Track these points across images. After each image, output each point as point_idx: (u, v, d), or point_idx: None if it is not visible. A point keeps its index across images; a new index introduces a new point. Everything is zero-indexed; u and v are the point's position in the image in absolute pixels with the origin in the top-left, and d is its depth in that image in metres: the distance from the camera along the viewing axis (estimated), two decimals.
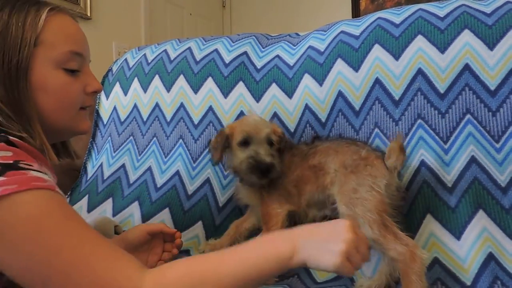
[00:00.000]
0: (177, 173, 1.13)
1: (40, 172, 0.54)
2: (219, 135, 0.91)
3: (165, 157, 1.17)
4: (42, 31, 0.62)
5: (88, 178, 1.25)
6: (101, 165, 1.25)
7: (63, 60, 0.64)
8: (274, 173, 0.84)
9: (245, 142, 0.86)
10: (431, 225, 0.83)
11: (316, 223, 0.61)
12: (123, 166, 1.22)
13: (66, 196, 1.22)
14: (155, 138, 1.21)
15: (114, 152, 1.26)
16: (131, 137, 1.25)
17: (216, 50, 1.22)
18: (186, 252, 0.97)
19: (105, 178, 1.22)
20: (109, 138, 1.29)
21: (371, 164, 0.79)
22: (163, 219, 1.07)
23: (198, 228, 1.05)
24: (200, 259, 0.57)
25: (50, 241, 0.50)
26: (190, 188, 1.09)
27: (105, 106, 1.35)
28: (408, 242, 0.72)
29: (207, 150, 1.12)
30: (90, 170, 1.27)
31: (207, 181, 1.09)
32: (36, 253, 0.49)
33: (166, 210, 1.08)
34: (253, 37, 1.22)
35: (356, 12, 2.66)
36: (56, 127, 0.65)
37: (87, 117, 0.71)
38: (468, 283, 0.75)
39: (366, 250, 0.57)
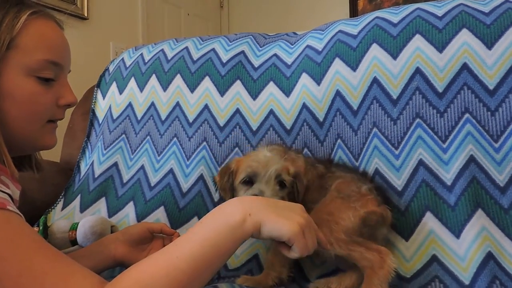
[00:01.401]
0: (171, 171, 1.12)
1: None
2: (223, 173, 0.82)
3: (158, 155, 1.16)
4: (18, 34, 0.57)
5: (81, 177, 1.24)
6: (92, 163, 1.24)
7: (36, 68, 0.60)
8: None
9: (249, 181, 0.75)
10: (430, 223, 0.83)
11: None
12: (115, 164, 1.20)
13: (60, 196, 1.21)
14: (148, 137, 1.20)
15: (105, 149, 1.24)
16: (123, 135, 1.24)
17: (213, 49, 1.21)
18: None
19: (96, 176, 1.20)
20: (101, 136, 1.29)
21: (362, 201, 0.75)
22: (158, 218, 1.06)
23: (194, 224, 1.04)
24: (149, 259, 0.50)
25: None
26: (185, 186, 1.09)
27: (101, 105, 1.34)
28: (381, 249, 0.70)
29: (201, 147, 1.11)
30: (83, 169, 1.26)
31: (201, 177, 1.08)
32: None
33: (161, 208, 1.07)
34: (251, 36, 1.22)
35: (354, 12, 2.66)
36: (19, 139, 0.60)
37: (54, 131, 0.66)
38: (467, 282, 0.75)
39: (315, 238, 0.58)
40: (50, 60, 0.61)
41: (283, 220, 0.52)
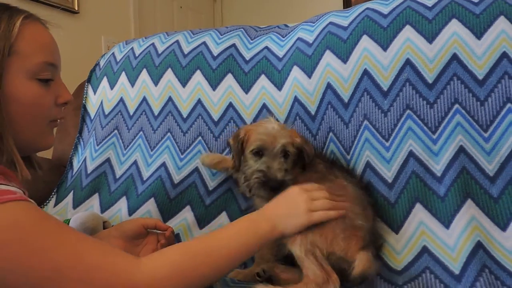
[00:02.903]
0: (163, 164, 1.12)
1: (7, 185, 0.53)
2: (234, 138, 0.87)
3: (151, 150, 1.16)
4: (16, 41, 0.59)
5: (73, 173, 1.24)
6: (85, 159, 1.24)
7: (36, 71, 0.62)
8: (283, 189, 0.78)
9: (258, 152, 0.81)
10: (420, 214, 0.83)
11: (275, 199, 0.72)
12: (108, 160, 1.20)
13: (53, 193, 1.21)
14: (141, 132, 1.20)
15: (97, 145, 1.24)
16: (116, 131, 1.24)
17: (204, 43, 1.20)
18: (176, 236, 0.97)
19: (88, 172, 1.20)
20: (94, 132, 1.28)
21: (349, 236, 0.73)
22: (149, 209, 1.06)
23: (186, 212, 1.05)
24: (190, 242, 0.62)
25: (35, 244, 0.50)
26: (177, 178, 1.09)
27: (93, 101, 1.33)
28: (332, 276, 0.69)
29: (196, 142, 1.11)
30: (76, 165, 1.26)
31: (196, 170, 1.08)
32: (23, 258, 0.48)
33: (151, 200, 1.07)
34: (242, 29, 1.21)
35: (348, 4, 2.65)
36: (24, 141, 0.62)
37: (52, 132, 0.69)
38: (457, 271, 0.76)
39: (322, 192, 0.74)
40: (47, 62, 0.64)
41: (294, 222, 0.70)
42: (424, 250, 0.81)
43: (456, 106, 0.86)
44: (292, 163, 0.83)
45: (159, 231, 0.84)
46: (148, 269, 0.54)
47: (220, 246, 0.61)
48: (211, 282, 0.60)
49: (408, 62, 0.91)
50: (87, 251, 0.53)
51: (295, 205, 0.70)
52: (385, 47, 0.94)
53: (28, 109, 0.61)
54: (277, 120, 1.01)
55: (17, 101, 0.60)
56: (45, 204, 1.18)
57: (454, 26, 0.89)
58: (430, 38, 0.90)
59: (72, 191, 1.20)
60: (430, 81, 0.89)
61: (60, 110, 0.68)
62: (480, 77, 0.86)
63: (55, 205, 1.18)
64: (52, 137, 0.68)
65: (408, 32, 0.92)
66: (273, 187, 0.78)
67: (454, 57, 0.88)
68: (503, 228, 0.79)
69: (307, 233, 0.70)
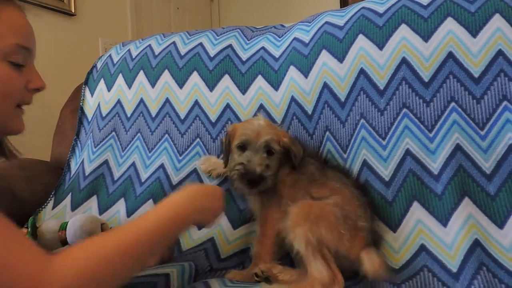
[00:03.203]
0: (162, 166, 1.12)
1: None
2: (225, 136, 0.89)
3: (149, 152, 1.16)
4: None
5: (71, 176, 1.24)
6: (82, 161, 1.24)
7: (9, 52, 0.61)
8: (263, 185, 0.80)
9: (242, 147, 0.82)
10: (418, 212, 0.84)
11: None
12: (106, 162, 1.20)
13: (51, 195, 1.20)
14: (139, 134, 1.20)
15: (95, 147, 1.24)
16: (113, 133, 1.24)
17: (200, 44, 1.20)
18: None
19: (86, 174, 1.20)
20: (91, 134, 1.28)
21: (353, 235, 0.74)
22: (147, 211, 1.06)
23: None
24: (103, 234, 0.60)
25: None
26: (175, 179, 1.09)
27: (90, 103, 1.33)
28: (338, 276, 0.69)
29: (195, 143, 1.11)
30: (73, 167, 1.26)
31: (194, 171, 1.08)
32: None
33: (150, 202, 1.08)
34: (238, 30, 1.21)
35: (345, 4, 2.65)
36: None
37: (22, 117, 0.68)
38: (454, 269, 0.76)
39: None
40: (21, 45, 0.63)
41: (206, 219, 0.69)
42: (422, 248, 0.81)
43: (453, 104, 0.86)
44: (278, 161, 0.83)
45: None
46: (58, 271, 0.50)
47: (133, 239, 0.56)
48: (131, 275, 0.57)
49: (404, 61, 0.91)
50: None
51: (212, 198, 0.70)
52: (381, 46, 0.94)
53: None
54: (267, 117, 1.03)
55: None
56: (43, 206, 1.18)
57: (450, 25, 0.89)
58: (426, 37, 0.90)
59: (70, 193, 1.19)
60: (426, 80, 0.89)
61: (29, 95, 0.67)
62: (476, 75, 0.86)
63: (53, 207, 1.18)
64: (21, 122, 0.67)
65: (403, 31, 0.93)
66: (250, 180, 0.78)
67: (450, 55, 0.88)
68: (500, 225, 0.79)
69: (312, 229, 0.70)
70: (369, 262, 0.71)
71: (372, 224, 0.80)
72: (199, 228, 0.99)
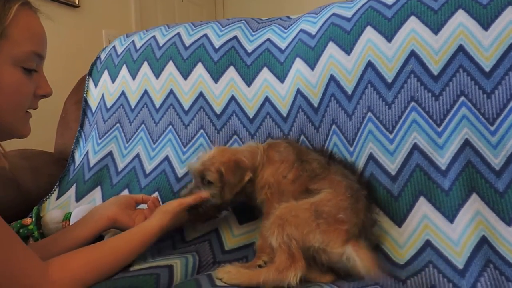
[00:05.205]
0: (167, 158, 1.11)
1: None
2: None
3: (154, 143, 1.15)
4: (9, 25, 0.59)
5: (75, 167, 1.24)
6: (87, 153, 1.23)
7: (23, 59, 0.62)
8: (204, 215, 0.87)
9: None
10: (424, 208, 0.82)
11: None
12: (110, 153, 1.20)
13: (55, 186, 1.20)
14: (143, 125, 1.19)
15: (100, 139, 1.23)
16: (118, 124, 1.23)
17: (205, 35, 1.19)
18: (180, 231, 0.97)
19: (91, 165, 1.20)
20: (96, 125, 1.27)
21: (328, 229, 0.73)
22: None
23: None
24: (90, 247, 0.70)
25: None
26: (180, 172, 1.08)
27: (94, 94, 1.33)
28: (298, 262, 0.69)
29: (198, 135, 1.11)
30: (78, 158, 1.25)
31: None
32: None
33: (156, 194, 1.07)
34: (243, 21, 1.19)
35: None
36: (1, 126, 0.63)
37: (29, 121, 0.69)
38: (460, 266, 0.75)
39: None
40: (36, 52, 0.64)
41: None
42: (427, 244, 0.80)
43: (462, 98, 0.85)
44: (223, 190, 0.84)
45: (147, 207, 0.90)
46: (56, 282, 0.59)
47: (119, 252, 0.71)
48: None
49: (413, 54, 0.89)
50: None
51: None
52: (389, 38, 0.92)
53: (9, 95, 0.61)
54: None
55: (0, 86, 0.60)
56: (47, 197, 1.18)
57: (460, 17, 0.87)
58: (436, 29, 0.88)
59: (74, 185, 1.19)
60: (436, 73, 0.87)
61: (36, 101, 0.68)
62: (487, 69, 0.84)
63: (57, 198, 1.18)
64: (29, 127, 0.69)
65: (413, 23, 0.91)
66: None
67: (460, 49, 0.86)
68: (509, 223, 0.77)
69: (284, 226, 0.71)
70: (360, 260, 0.69)
71: (365, 217, 0.77)
72: None
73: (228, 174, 0.83)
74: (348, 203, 0.75)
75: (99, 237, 0.83)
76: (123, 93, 1.25)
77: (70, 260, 0.64)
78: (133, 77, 1.24)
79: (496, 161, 0.81)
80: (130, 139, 1.20)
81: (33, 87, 0.65)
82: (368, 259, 0.70)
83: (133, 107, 1.22)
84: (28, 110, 0.67)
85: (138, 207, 0.93)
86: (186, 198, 0.83)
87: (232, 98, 1.09)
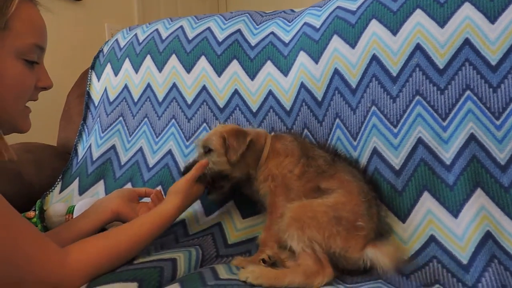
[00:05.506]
0: (170, 152, 1.11)
1: None
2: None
3: (157, 137, 1.15)
4: (11, 17, 0.59)
5: (78, 160, 1.24)
6: (90, 146, 1.23)
7: (26, 51, 0.62)
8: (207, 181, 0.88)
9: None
10: (428, 203, 0.82)
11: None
12: (113, 147, 1.20)
13: (58, 179, 1.21)
14: (146, 119, 1.19)
15: (103, 132, 1.23)
16: (121, 118, 1.23)
17: (208, 28, 1.18)
18: (183, 225, 0.98)
19: (94, 159, 1.20)
20: (98, 119, 1.27)
21: (348, 235, 0.73)
22: None
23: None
24: (95, 238, 0.70)
25: None
26: (183, 165, 1.08)
27: (96, 88, 1.32)
28: (326, 268, 0.69)
29: (201, 128, 1.10)
30: (81, 152, 1.26)
31: None
32: None
33: (159, 188, 1.07)
34: (247, 14, 1.18)
35: None
36: (2, 120, 0.63)
37: (29, 116, 0.70)
38: (465, 261, 0.75)
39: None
40: (37, 44, 0.64)
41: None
42: (432, 239, 0.79)
43: (468, 92, 0.84)
44: (224, 155, 0.86)
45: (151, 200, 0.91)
46: (75, 264, 0.61)
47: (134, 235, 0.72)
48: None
49: (418, 47, 0.88)
50: (27, 239, 0.57)
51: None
52: (394, 32, 0.91)
53: (11, 87, 0.62)
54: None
55: (2, 77, 0.60)
56: (50, 190, 1.18)
57: (467, 10, 0.86)
58: (442, 22, 0.87)
59: (77, 178, 1.20)
60: (441, 67, 0.86)
61: (36, 93, 0.69)
62: (493, 63, 0.83)
63: (61, 191, 1.18)
64: (29, 121, 0.69)
65: (418, 16, 0.89)
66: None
67: (466, 42, 0.85)
68: None
69: (304, 229, 0.71)
70: (382, 257, 0.70)
71: (378, 221, 0.78)
72: None
73: (230, 138, 0.86)
74: (364, 208, 0.75)
75: (101, 230, 0.83)
76: (126, 87, 1.25)
77: (87, 245, 0.65)
78: (136, 70, 1.24)
79: (502, 156, 0.80)
80: (133, 133, 1.19)
81: (34, 79, 0.66)
82: (390, 255, 0.70)
83: (136, 100, 1.22)
84: (27, 104, 0.68)
85: (142, 201, 0.93)
86: (190, 172, 0.85)
87: (236, 91, 1.08)
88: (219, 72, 1.12)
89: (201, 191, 0.89)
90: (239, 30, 1.14)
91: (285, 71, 1.04)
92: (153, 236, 0.75)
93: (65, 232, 0.78)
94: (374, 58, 0.92)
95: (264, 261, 0.75)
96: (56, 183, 1.20)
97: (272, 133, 0.96)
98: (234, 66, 1.10)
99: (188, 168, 0.88)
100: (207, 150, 0.88)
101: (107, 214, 0.83)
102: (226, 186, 0.90)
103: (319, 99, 0.99)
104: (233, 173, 0.88)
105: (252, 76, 1.08)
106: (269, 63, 1.07)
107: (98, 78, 1.33)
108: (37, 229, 0.62)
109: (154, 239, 0.76)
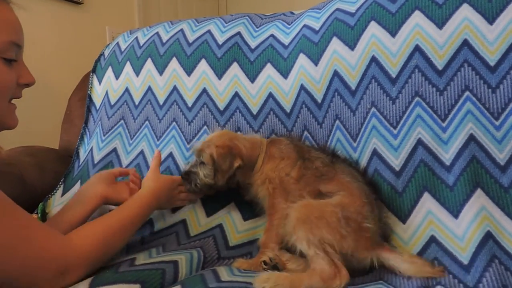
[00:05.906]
0: (171, 154, 1.12)
1: None
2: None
3: (158, 140, 1.16)
4: None
5: (80, 163, 1.24)
6: (91, 149, 1.24)
7: (3, 49, 0.63)
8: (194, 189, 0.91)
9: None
10: (428, 204, 0.82)
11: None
12: (114, 150, 1.20)
13: (60, 183, 1.21)
14: (147, 122, 1.19)
15: (104, 135, 1.24)
16: (122, 121, 1.24)
17: (209, 31, 1.19)
18: (184, 225, 0.99)
19: (95, 162, 1.20)
20: (100, 122, 1.28)
21: (356, 236, 0.73)
22: None
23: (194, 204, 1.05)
24: (97, 221, 0.74)
25: None
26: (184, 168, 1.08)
27: (98, 91, 1.33)
28: (342, 271, 0.69)
29: (202, 131, 1.11)
30: (82, 155, 1.26)
31: None
32: None
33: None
34: (247, 17, 1.19)
35: None
36: None
37: (15, 112, 0.70)
38: (465, 262, 0.75)
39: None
40: (14, 42, 0.65)
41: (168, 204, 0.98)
42: (432, 240, 0.80)
43: (467, 93, 0.84)
44: (216, 172, 0.88)
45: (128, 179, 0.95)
46: (78, 249, 0.65)
47: (126, 221, 0.77)
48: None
49: (417, 48, 0.89)
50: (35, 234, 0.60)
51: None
52: (393, 33, 0.92)
53: None
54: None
55: None
56: (52, 193, 1.19)
57: (465, 11, 0.86)
58: (440, 24, 0.88)
59: (79, 181, 1.20)
60: (440, 68, 0.86)
61: (19, 90, 0.70)
62: (492, 64, 0.83)
63: (63, 194, 1.18)
64: (16, 118, 0.70)
65: (417, 18, 0.90)
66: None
67: (465, 43, 0.85)
68: None
69: (312, 230, 0.70)
70: (405, 263, 0.72)
71: (380, 223, 0.79)
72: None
73: (219, 159, 0.86)
74: (367, 210, 0.76)
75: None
76: (127, 90, 1.26)
77: (85, 232, 0.69)
78: (137, 73, 1.25)
79: (501, 156, 0.80)
80: (134, 136, 1.20)
81: (14, 76, 0.66)
82: (400, 255, 0.73)
83: (137, 103, 1.23)
84: (12, 101, 0.69)
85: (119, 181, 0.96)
86: (152, 163, 0.93)
87: (236, 94, 1.09)
88: (219, 75, 1.12)
89: (181, 196, 0.96)
90: (239, 33, 1.15)
91: (285, 74, 1.05)
92: (141, 219, 0.81)
93: (55, 226, 0.77)
94: (373, 59, 0.93)
95: (265, 263, 0.76)
96: (58, 186, 1.21)
97: (268, 139, 0.96)
98: (234, 69, 1.11)
99: (187, 174, 0.91)
100: (200, 162, 0.89)
101: (97, 199, 0.85)
102: (213, 192, 0.94)
103: (319, 101, 0.99)
104: (222, 188, 0.91)
105: (252, 78, 1.08)
106: (269, 65, 1.07)
107: (100, 82, 1.33)
108: (37, 221, 0.65)
109: (142, 222, 0.81)
